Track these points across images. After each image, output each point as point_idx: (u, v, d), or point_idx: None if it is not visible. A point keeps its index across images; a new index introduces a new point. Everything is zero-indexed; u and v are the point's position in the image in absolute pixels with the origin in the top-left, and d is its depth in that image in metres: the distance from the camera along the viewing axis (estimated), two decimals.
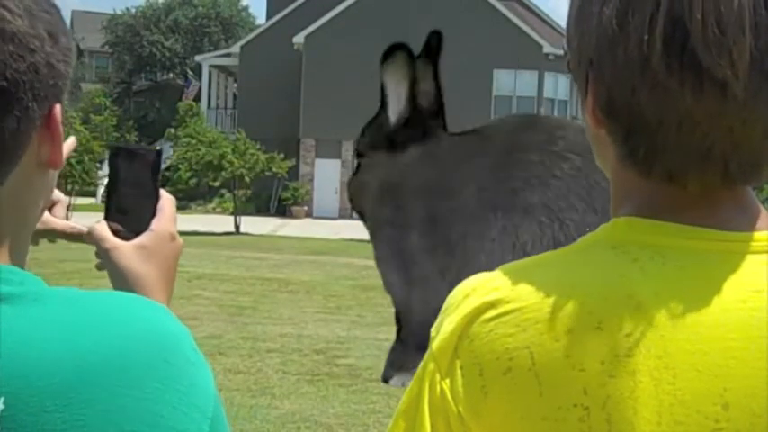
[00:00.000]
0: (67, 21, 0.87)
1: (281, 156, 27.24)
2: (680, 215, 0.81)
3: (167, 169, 29.03)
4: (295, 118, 32.33)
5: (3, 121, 0.76)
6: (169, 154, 30.66)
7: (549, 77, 31.61)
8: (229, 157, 25.46)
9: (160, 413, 0.73)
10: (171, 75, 49.96)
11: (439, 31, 1.68)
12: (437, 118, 1.70)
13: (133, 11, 49.47)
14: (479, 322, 0.80)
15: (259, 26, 40.94)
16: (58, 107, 0.82)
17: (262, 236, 23.50)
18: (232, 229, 24.53)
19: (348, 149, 32.19)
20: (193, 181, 26.90)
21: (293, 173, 30.68)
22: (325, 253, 18.93)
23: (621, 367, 0.75)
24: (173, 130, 31.57)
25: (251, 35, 37.45)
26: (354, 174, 1.75)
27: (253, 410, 6.53)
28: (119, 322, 0.76)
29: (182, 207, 29.60)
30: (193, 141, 26.38)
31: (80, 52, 51.21)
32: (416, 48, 1.82)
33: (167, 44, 47.89)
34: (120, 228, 1.00)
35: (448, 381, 0.80)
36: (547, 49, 30.99)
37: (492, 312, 0.80)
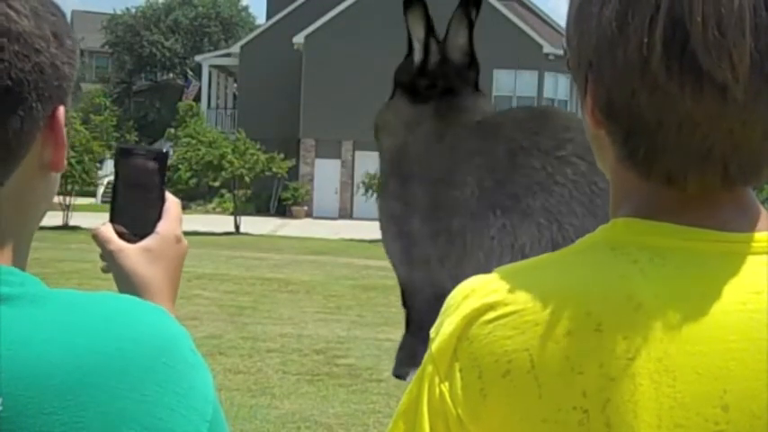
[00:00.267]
0: (68, 21, 0.87)
1: (281, 156, 27.24)
2: (680, 216, 0.81)
3: (167, 169, 28.97)
4: (295, 118, 32.33)
5: (7, 121, 0.76)
6: (170, 153, 30.61)
7: (548, 77, 31.61)
8: (229, 157, 25.45)
9: (159, 416, 0.73)
10: (171, 75, 49.95)
11: None
12: (466, 76, 1.70)
13: (133, 11, 49.49)
14: (478, 324, 0.80)
15: (259, 26, 40.93)
16: (61, 109, 0.82)
17: (262, 236, 23.50)
18: (232, 229, 24.52)
19: (348, 149, 32.23)
20: (193, 181, 26.88)
21: (293, 173, 30.67)
22: (325, 253, 18.93)
23: (621, 370, 0.75)
24: (173, 130, 31.55)
25: (251, 35, 37.44)
26: (390, 98, 1.74)
27: (253, 410, 6.53)
28: (118, 324, 0.76)
29: (182, 207, 29.49)
30: (193, 141, 26.37)
31: (80, 52, 51.18)
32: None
33: (167, 44, 47.88)
34: (125, 230, 1.00)
35: (447, 383, 0.80)
36: (547, 49, 30.99)
37: (491, 314, 0.79)
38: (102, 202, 29.83)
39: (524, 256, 1.43)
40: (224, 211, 29.07)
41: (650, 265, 0.79)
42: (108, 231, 1.00)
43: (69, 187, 23.86)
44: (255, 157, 25.96)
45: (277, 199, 32.65)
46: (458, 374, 0.79)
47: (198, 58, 39.53)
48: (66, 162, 0.85)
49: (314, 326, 10.12)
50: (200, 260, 15.15)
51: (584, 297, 0.78)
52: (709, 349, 0.76)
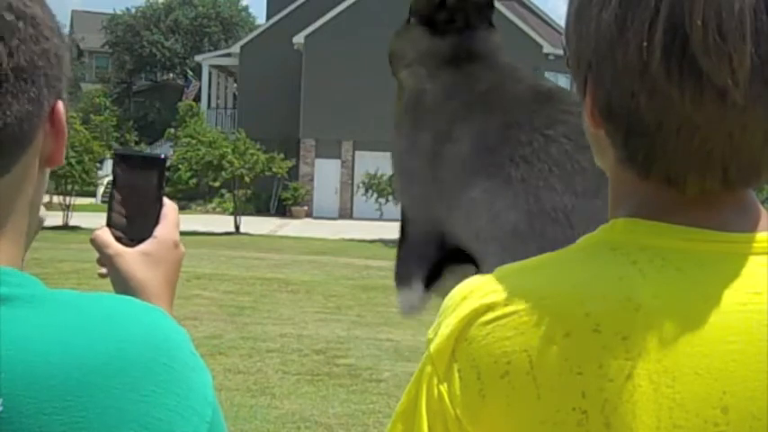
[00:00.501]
0: (67, 21, 0.89)
1: (281, 156, 27.24)
2: (680, 217, 0.80)
3: (167, 169, 28.97)
4: (295, 118, 32.32)
5: (18, 101, 0.76)
6: (169, 154, 30.63)
7: (548, 77, 31.57)
8: (229, 157, 25.45)
9: (158, 416, 0.73)
10: (171, 75, 49.93)
11: None
12: (485, 13, 1.75)
13: (133, 11, 49.43)
14: (477, 325, 0.80)
15: (259, 26, 40.91)
16: (60, 104, 0.82)
17: (262, 236, 23.50)
18: (232, 229, 24.52)
19: (348, 149, 32.23)
20: (193, 181, 26.88)
21: (293, 173, 30.66)
22: (325, 253, 18.93)
23: (620, 371, 0.75)
24: (173, 130, 31.57)
25: (251, 35, 37.42)
26: (405, 23, 1.80)
27: (253, 410, 6.53)
28: (117, 325, 0.76)
29: (182, 207, 29.44)
30: (193, 141, 26.37)
31: (80, 52, 51.28)
32: None
33: (167, 44, 47.85)
34: (122, 234, 1.00)
35: (446, 384, 0.80)
36: (547, 49, 30.98)
37: (490, 315, 0.79)
38: (102, 201, 29.79)
39: (498, 221, 1.50)
40: (224, 211, 29.06)
41: (650, 265, 0.79)
42: (106, 235, 1.00)
43: (69, 187, 23.87)
44: (255, 157, 25.96)
45: (277, 199, 32.64)
46: (456, 375, 0.79)
47: (198, 58, 39.51)
48: (64, 157, 0.85)
49: (314, 326, 10.12)
50: (199, 260, 15.15)
51: (583, 298, 0.78)
52: (709, 350, 0.76)
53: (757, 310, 0.77)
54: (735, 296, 0.77)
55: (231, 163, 25.38)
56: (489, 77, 1.69)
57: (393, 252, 1.82)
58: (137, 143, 35.57)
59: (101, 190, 31.21)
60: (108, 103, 37.84)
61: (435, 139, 1.66)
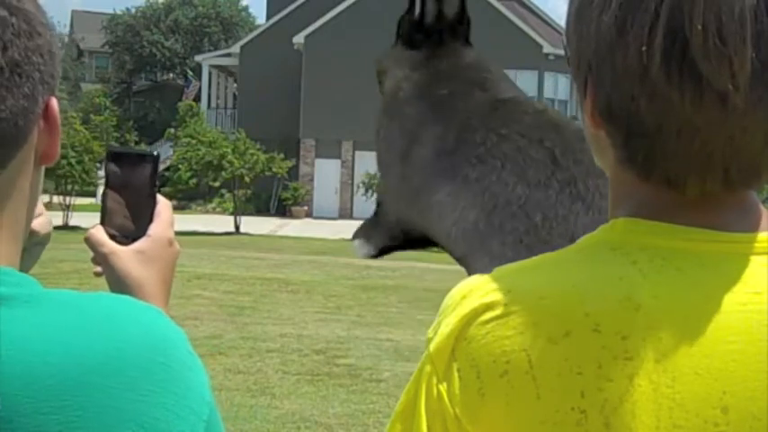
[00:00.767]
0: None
1: (281, 156, 27.25)
2: (680, 217, 0.80)
3: (167, 169, 29.02)
4: (295, 118, 32.34)
5: (13, 96, 0.76)
6: (169, 154, 30.68)
7: (548, 77, 31.61)
8: (229, 157, 25.46)
9: (155, 415, 0.73)
10: (171, 75, 49.94)
11: None
12: (458, 31, 1.81)
13: (133, 11, 49.44)
14: (477, 324, 0.79)
15: (259, 26, 40.93)
16: (54, 100, 0.82)
17: (262, 236, 23.51)
18: (232, 229, 24.53)
19: (348, 149, 32.24)
20: (193, 181, 26.91)
21: (293, 173, 30.69)
22: (325, 253, 18.93)
23: (619, 370, 0.75)
24: (173, 130, 31.59)
25: (251, 35, 37.45)
26: (394, 43, 1.86)
27: (253, 410, 6.54)
28: (115, 325, 0.76)
29: (182, 207, 29.61)
30: (193, 141, 26.38)
31: (80, 52, 51.32)
32: None
33: (167, 44, 47.86)
34: (116, 233, 1.00)
35: (445, 383, 0.79)
36: (547, 49, 31.01)
37: (489, 314, 0.79)
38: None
39: (462, 221, 1.56)
40: (224, 211, 29.07)
41: (650, 265, 0.79)
42: (100, 234, 1.00)
43: (69, 187, 23.90)
44: (255, 157, 25.98)
45: (277, 199, 32.66)
46: (456, 374, 0.79)
47: (198, 58, 39.53)
48: (59, 154, 0.85)
49: (314, 326, 10.12)
50: (199, 260, 15.16)
51: (583, 297, 0.78)
52: (709, 350, 0.76)
53: (757, 310, 0.77)
54: (735, 296, 0.77)
55: (231, 163, 25.39)
56: (455, 85, 1.76)
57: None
58: (137, 143, 35.52)
59: (101, 190, 31.18)
60: (108, 103, 37.83)
61: (404, 137, 1.74)
